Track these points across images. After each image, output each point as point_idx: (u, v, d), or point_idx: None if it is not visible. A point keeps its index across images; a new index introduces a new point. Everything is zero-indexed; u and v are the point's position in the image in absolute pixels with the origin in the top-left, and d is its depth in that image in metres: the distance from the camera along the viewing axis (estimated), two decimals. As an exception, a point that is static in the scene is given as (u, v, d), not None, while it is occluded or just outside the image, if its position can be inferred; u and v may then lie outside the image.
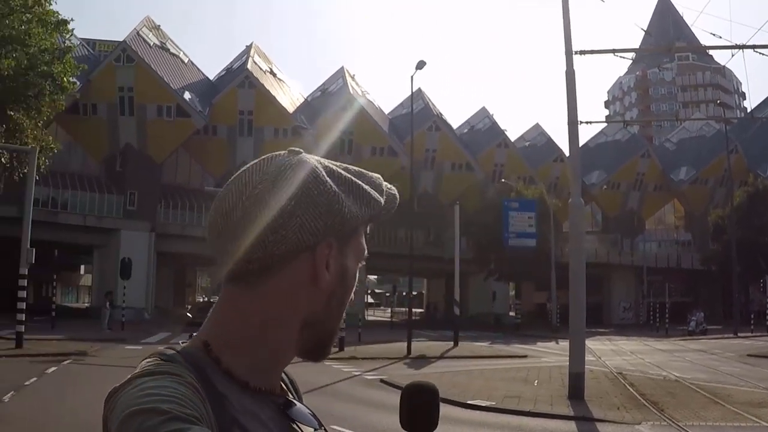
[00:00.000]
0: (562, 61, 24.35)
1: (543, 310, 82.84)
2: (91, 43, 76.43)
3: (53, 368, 25.59)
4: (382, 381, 25.49)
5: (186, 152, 75.14)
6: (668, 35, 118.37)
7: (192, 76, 77.47)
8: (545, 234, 67.19)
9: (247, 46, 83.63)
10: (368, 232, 1.71)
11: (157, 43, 75.42)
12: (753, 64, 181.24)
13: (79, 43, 62.91)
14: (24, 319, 33.01)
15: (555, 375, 27.69)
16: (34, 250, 33.49)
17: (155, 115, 69.60)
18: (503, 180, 79.74)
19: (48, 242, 54.44)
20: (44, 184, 57.87)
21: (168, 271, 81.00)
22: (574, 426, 18.36)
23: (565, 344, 24.36)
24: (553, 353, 40.70)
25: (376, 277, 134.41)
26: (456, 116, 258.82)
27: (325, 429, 1.79)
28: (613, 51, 27.90)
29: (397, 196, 1.75)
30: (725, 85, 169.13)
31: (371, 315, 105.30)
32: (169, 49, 76.74)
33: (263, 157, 1.64)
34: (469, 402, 20.78)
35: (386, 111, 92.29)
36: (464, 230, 61.46)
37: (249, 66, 76.27)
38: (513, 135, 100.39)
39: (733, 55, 26.53)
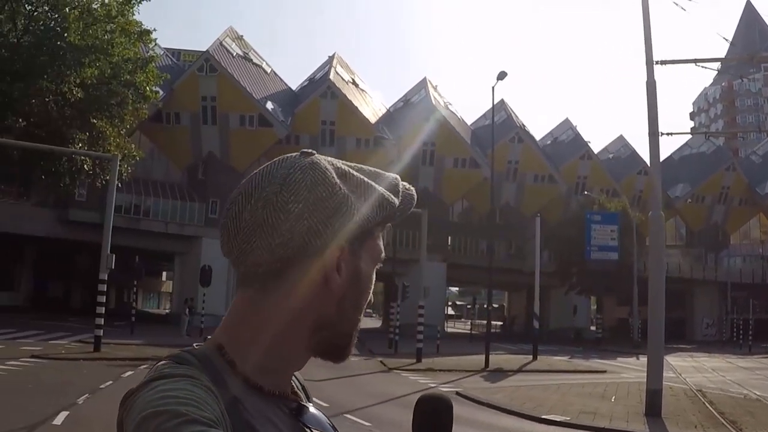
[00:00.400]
0: (644, 71, 24.10)
1: (624, 325, 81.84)
2: (175, 53, 77.15)
3: (129, 372, 25.80)
4: (457, 394, 25.10)
5: (268, 161, 74.92)
6: (754, 45, 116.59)
7: (274, 86, 77.60)
8: (628, 248, 66.51)
9: (329, 56, 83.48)
10: (386, 233, 1.71)
11: (240, 53, 75.82)
12: None
13: (162, 52, 63.71)
14: (103, 323, 33.46)
15: (633, 391, 27.39)
16: (114, 255, 33.84)
17: (238, 124, 69.98)
18: (586, 192, 79.39)
19: (130, 248, 55.02)
20: (127, 191, 58.71)
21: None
22: (649, 444, 17.88)
23: (645, 360, 23.99)
24: (633, 369, 40.22)
25: (456, 288, 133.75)
26: (539, 127, 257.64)
27: None
28: (695, 61, 27.16)
29: (415, 197, 1.71)
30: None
31: (451, 327, 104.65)
32: (251, 59, 77.00)
33: (276, 158, 1.64)
34: (543, 417, 20.76)
35: (469, 122, 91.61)
36: (546, 243, 61.46)
37: (331, 76, 76.13)
38: (596, 147, 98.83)
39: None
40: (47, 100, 39.44)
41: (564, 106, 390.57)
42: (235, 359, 1.53)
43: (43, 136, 37.92)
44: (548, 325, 78.88)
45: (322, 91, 75.34)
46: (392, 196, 1.64)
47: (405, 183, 1.70)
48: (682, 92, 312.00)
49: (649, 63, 24.16)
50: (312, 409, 1.69)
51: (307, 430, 1.63)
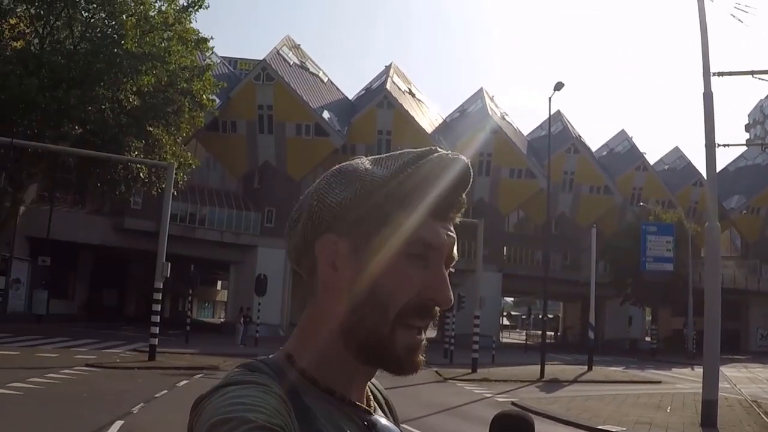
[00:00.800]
0: (701, 82, 23.89)
1: (679, 336, 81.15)
2: (232, 61, 77.53)
3: (184, 382, 25.95)
4: (513, 404, 24.82)
5: (324, 171, 74.84)
6: None
7: (331, 96, 77.65)
8: (683, 259, 66.50)
9: (386, 66, 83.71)
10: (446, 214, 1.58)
11: (297, 62, 75.88)
12: None
13: (219, 61, 63.91)
14: (158, 332, 33.35)
15: (688, 402, 27.33)
16: (169, 264, 33.69)
17: (294, 133, 69.90)
18: (641, 203, 78.99)
19: (185, 257, 55.15)
20: (182, 200, 58.81)
21: (303, 289, 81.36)
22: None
23: (700, 371, 24.03)
24: (688, 380, 40.23)
25: (512, 299, 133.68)
26: (595, 139, 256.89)
27: None
28: (752, 72, 27.30)
29: (443, 160, 1.56)
30: None
31: (506, 337, 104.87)
32: (308, 68, 77.08)
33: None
34: (599, 427, 20.75)
35: (525, 132, 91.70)
36: (601, 254, 61.89)
37: (388, 86, 76.05)
38: (652, 158, 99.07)
39: None
40: (103, 107, 39.62)
41: (620, 118, 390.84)
42: (304, 367, 1.54)
43: (99, 144, 38.09)
44: (603, 336, 78.84)
45: (379, 100, 75.19)
46: (381, 171, 1.56)
47: (437, 150, 1.60)
48: (738, 104, 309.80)
49: (706, 74, 23.99)
50: (385, 421, 1.64)
51: None
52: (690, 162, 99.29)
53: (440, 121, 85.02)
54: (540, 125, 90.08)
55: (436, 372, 36.71)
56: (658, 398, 29.15)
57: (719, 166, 25.45)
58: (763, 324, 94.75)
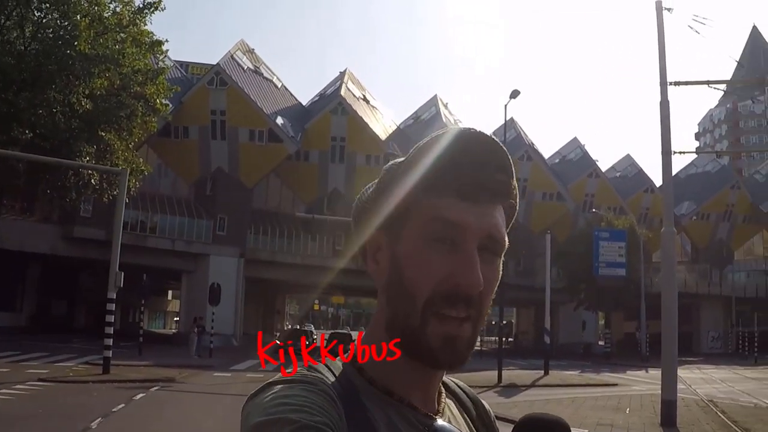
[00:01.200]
0: (653, 91, 24.73)
1: (632, 340, 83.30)
2: (184, 65, 76.61)
3: (141, 395, 25.52)
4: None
5: (277, 177, 74.91)
6: (760, 68, 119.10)
7: (285, 101, 77.17)
8: (635, 264, 67.86)
9: (341, 72, 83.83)
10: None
11: (251, 66, 75.33)
12: None
13: (172, 64, 62.75)
14: (111, 344, 32.53)
15: (646, 403, 28.23)
16: (122, 274, 32.90)
17: (247, 139, 69.24)
18: (594, 210, 79.94)
19: (136, 266, 53.88)
20: (133, 207, 57.64)
21: (256, 298, 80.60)
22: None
23: (654, 373, 24.97)
24: (644, 382, 41.11)
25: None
26: (548, 146, 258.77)
27: None
28: (708, 82, 28.02)
29: (455, 133, 1.53)
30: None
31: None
32: (262, 74, 76.61)
33: None
34: None
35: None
36: (554, 260, 62.27)
37: (342, 92, 75.82)
38: (604, 165, 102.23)
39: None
40: (54, 110, 38.51)
41: (572, 126, 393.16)
42: (364, 366, 1.54)
43: (49, 149, 37.19)
44: (557, 341, 79.87)
45: (333, 106, 74.88)
46: (400, 159, 1.59)
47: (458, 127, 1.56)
48: (687, 113, 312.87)
49: (663, 84, 24.63)
50: (449, 427, 1.56)
51: None
52: (641, 169, 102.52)
53: (394, 127, 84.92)
54: (493, 132, 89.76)
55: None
56: (616, 400, 29.71)
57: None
58: (713, 326, 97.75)
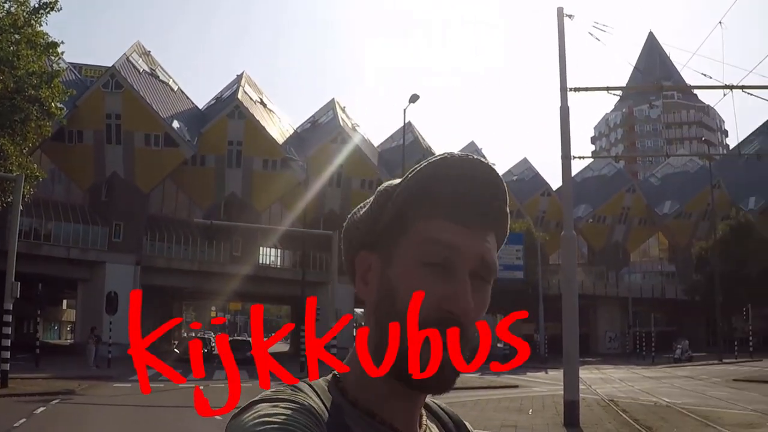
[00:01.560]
0: (551, 96, 24.93)
1: (530, 341, 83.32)
2: (77, 67, 74.94)
3: (42, 408, 24.75)
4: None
5: (173, 183, 73.91)
6: (655, 73, 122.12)
7: (181, 105, 76.51)
8: (532, 267, 69.02)
9: (237, 75, 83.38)
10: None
11: (147, 69, 74.38)
12: (739, 103, 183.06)
13: (67, 67, 61.30)
14: (9, 356, 31.81)
15: (548, 404, 28.93)
16: (19, 284, 32.13)
17: (143, 143, 68.38)
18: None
19: (30, 275, 52.49)
20: (26, 214, 55.87)
21: (154, 306, 79.29)
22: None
23: (554, 374, 25.27)
24: (544, 383, 42.17)
25: (362, 310, 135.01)
26: (446, 149, 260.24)
27: None
28: (607, 89, 28.46)
29: (444, 159, 1.49)
30: (709, 123, 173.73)
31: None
32: (158, 76, 75.80)
33: None
34: None
35: (376, 143, 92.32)
36: None
37: (239, 96, 75.50)
38: (501, 169, 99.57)
39: (724, 95, 27.19)
40: (-57, 114, 37.18)
41: (470, 130, 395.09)
42: (347, 386, 1.52)
43: (-63, 154, 35.79)
44: None
45: (230, 110, 74.68)
46: (396, 180, 1.56)
47: (454, 153, 1.52)
48: (583, 117, 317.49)
49: (563, 90, 25.14)
50: None
51: None
52: (538, 173, 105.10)
53: (291, 131, 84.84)
54: (391, 136, 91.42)
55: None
56: (518, 402, 30.27)
57: (566, 177, 26.33)
58: (611, 327, 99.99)
